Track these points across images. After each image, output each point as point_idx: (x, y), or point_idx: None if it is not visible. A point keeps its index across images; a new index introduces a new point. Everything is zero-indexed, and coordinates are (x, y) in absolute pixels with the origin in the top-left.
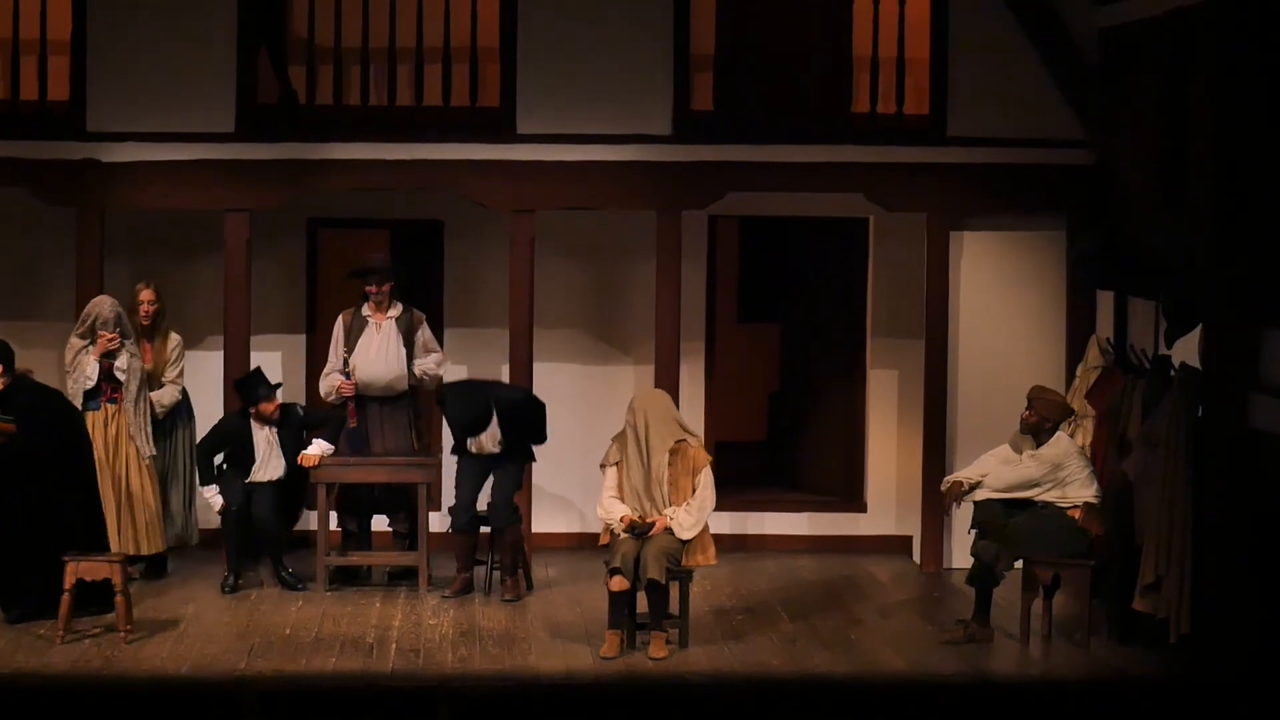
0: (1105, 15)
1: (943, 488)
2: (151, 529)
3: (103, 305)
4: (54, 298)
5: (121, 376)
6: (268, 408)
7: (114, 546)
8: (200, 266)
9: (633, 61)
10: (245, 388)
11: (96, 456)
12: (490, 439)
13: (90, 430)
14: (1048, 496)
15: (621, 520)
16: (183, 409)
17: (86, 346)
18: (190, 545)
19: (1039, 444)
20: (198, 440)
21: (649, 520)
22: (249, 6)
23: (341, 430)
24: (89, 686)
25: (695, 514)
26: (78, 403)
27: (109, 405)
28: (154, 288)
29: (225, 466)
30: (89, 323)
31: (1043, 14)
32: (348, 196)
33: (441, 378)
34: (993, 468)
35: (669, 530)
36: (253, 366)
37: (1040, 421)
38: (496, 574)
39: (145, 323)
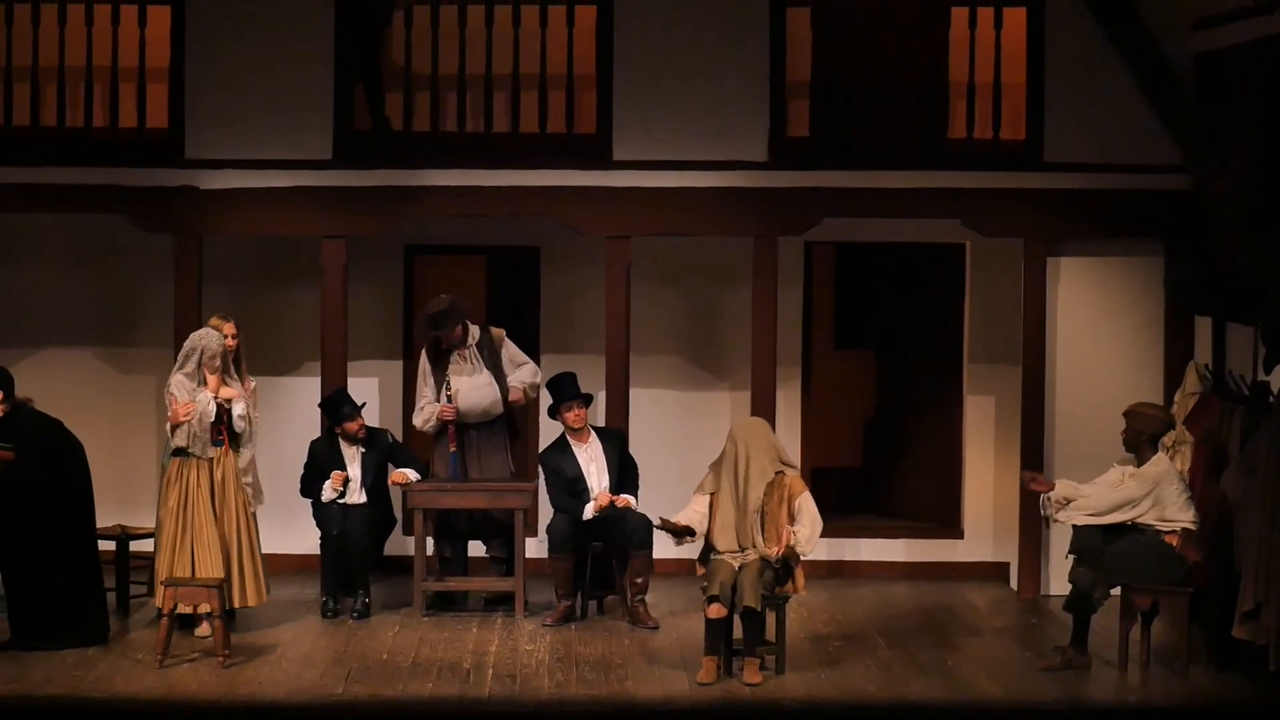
0: (1201, 40)
1: (1028, 483)
2: (258, 579)
3: (209, 339)
4: (151, 324)
5: (241, 425)
6: (351, 426)
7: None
8: (297, 293)
9: (729, 88)
10: (330, 407)
11: (202, 503)
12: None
13: (194, 476)
14: (1147, 518)
15: (660, 522)
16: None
17: (199, 387)
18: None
19: (1140, 462)
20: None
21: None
22: (346, 34)
23: (429, 472)
24: (186, 711)
25: (810, 528)
26: (201, 449)
27: (215, 448)
28: (234, 321)
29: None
30: (195, 359)
31: (1138, 39)
32: (444, 223)
33: (539, 385)
34: (1093, 492)
35: (762, 560)
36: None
37: (1137, 435)
38: (594, 600)
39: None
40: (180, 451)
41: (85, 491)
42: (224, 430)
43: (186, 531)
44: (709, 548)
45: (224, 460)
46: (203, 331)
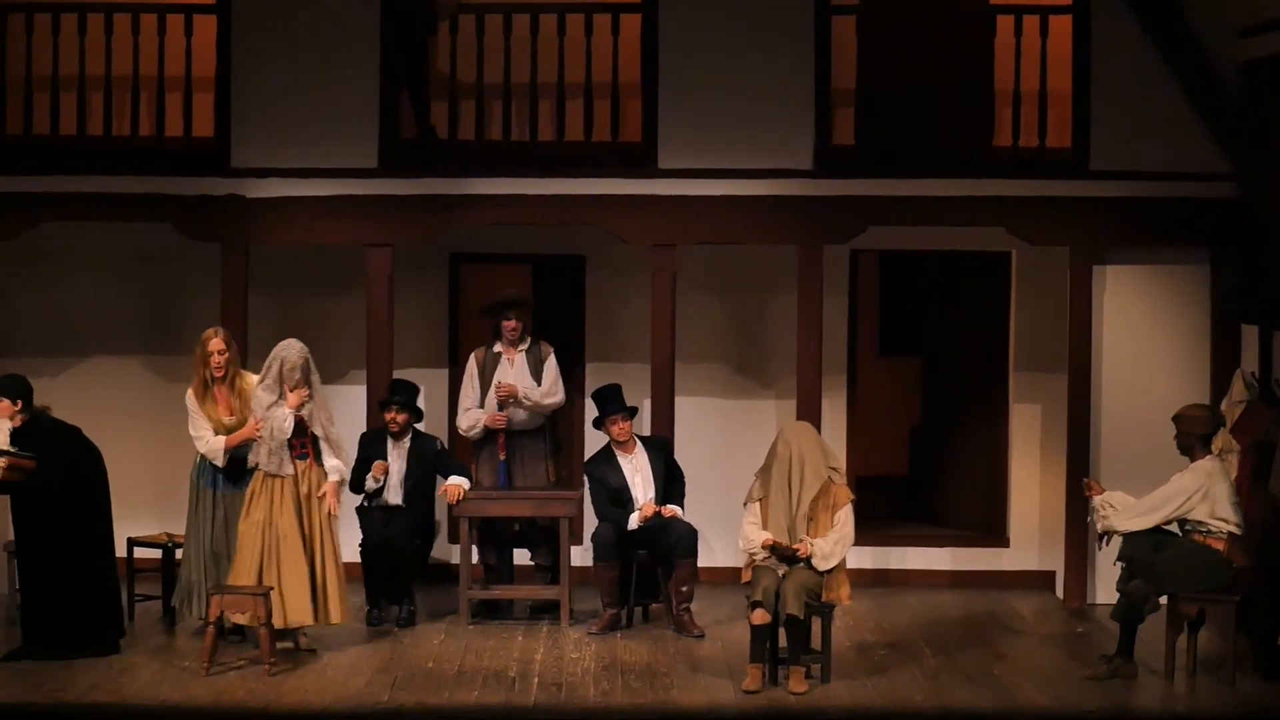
0: (1248, 48)
1: (1086, 489)
2: (341, 597)
3: (288, 351)
4: (198, 332)
5: (328, 453)
6: (388, 415)
7: (292, 615)
8: (342, 301)
9: (774, 96)
10: (388, 392)
11: (286, 519)
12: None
13: (278, 490)
14: (1198, 513)
15: (764, 545)
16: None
17: (277, 401)
18: None
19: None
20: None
21: (792, 547)
22: (391, 43)
23: (472, 480)
24: (233, 719)
25: (833, 545)
26: (277, 467)
27: (298, 462)
28: (223, 335)
29: (367, 503)
30: (274, 370)
31: (1185, 47)
32: (489, 231)
33: (548, 407)
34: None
35: (808, 562)
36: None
37: (1188, 437)
38: (641, 608)
39: (219, 374)
40: None
41: (104, 499)
42: (308, 444)
43: (272, 547)
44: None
45: (309, 474)
46: (286, 342)
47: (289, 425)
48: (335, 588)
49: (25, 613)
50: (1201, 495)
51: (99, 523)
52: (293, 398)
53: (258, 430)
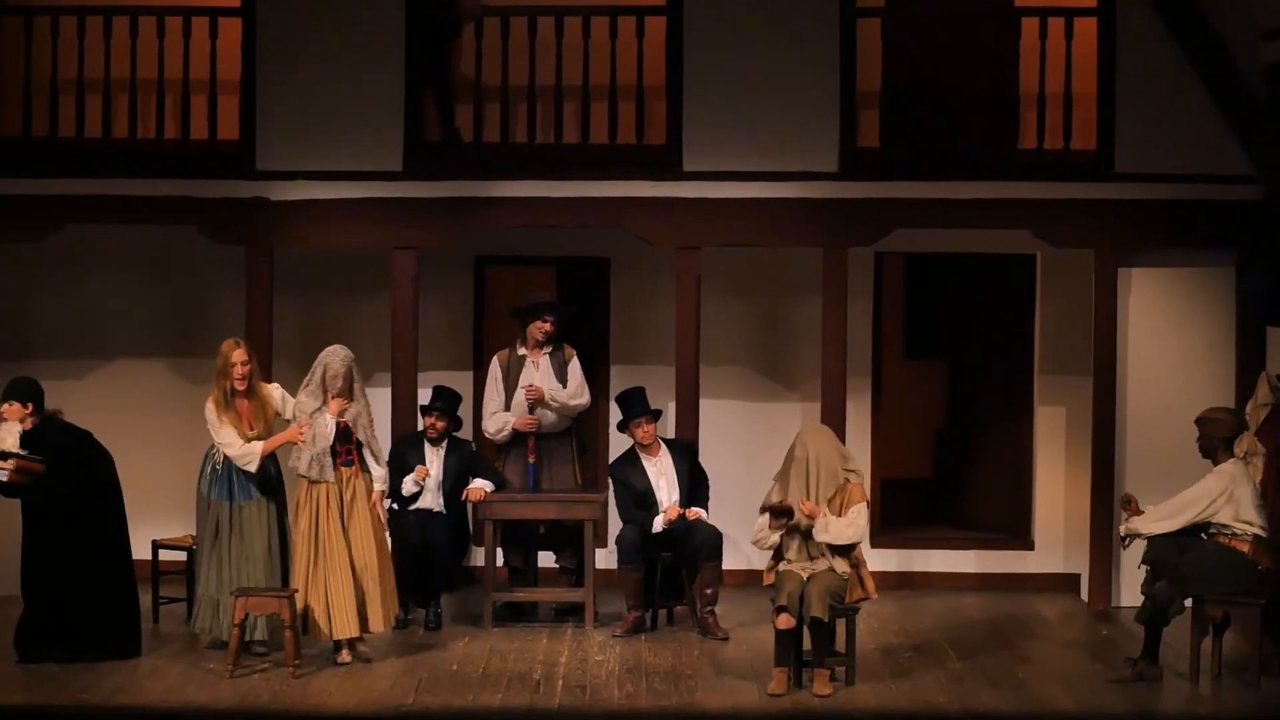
0: (1273, 50)
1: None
2: (388, 604)
3: (332, 358)
4: (223, 335)
5: (373, 461)
6: (427, 421)
7: (339, 630)
8: (367, 304)
9: (799, 98)
10: (430, 398)
11: (331, 527)
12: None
13: (323, 497)
14: (1222, 516)
15: (764, 509)
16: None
17: (320, 408)
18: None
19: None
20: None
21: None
22: (416, 45)
23: (503, 483)
24: None
25: (840, 526)
26: (319, 473)
27: (343, 469)
28: (245, 346)
29: (395, 506)
30: (318, 376)
31: (1210, 49)
32: (514, 234)
33: (573, 409)
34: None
35: (831, 570)
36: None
37: (1211, 441)
38: (665, 611)
39: (240, 386)
40: None
41: (116, 503)
42: (353, 450)
43: (319, 556)
44: (778, 556)
45: (354, 481)
46: (330, 349)
47: (331, 432)
48: (379, 594)
49: (41, 618)
50: (1226, 499)
51: (110, 527)
52: (334, 405)
53: (300, 436)
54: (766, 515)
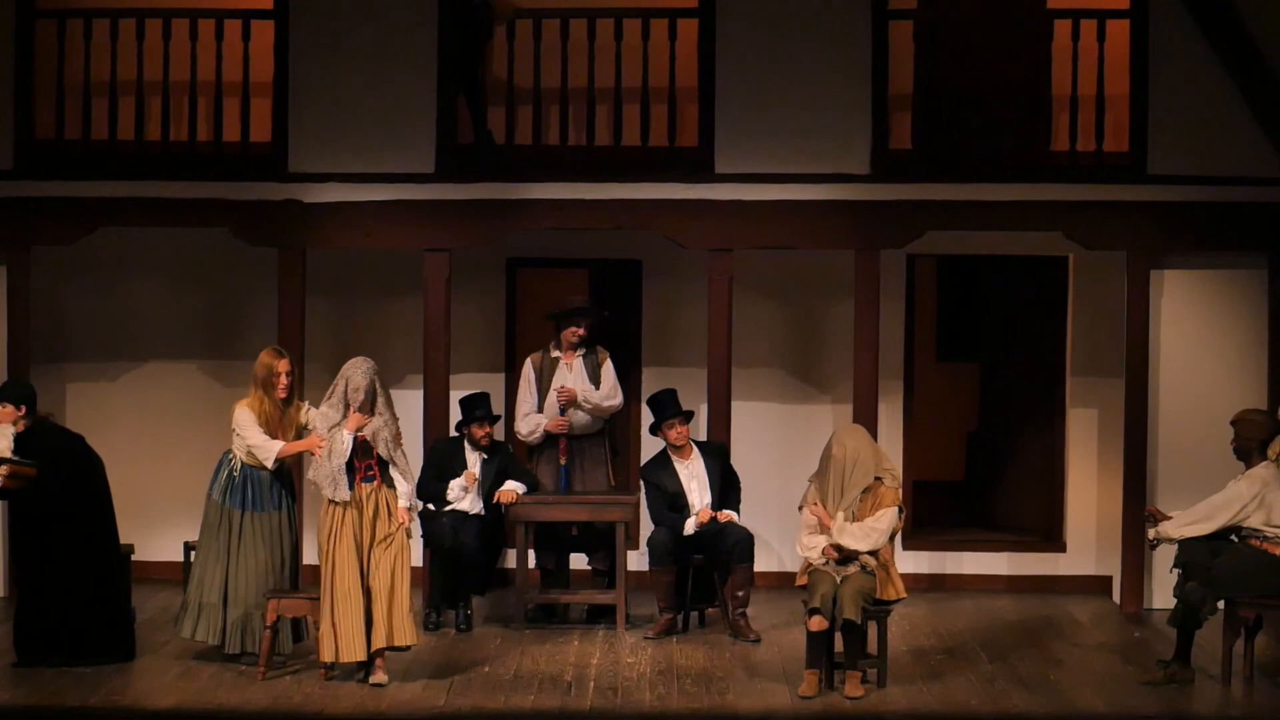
0: None
1: (1146, 519)
2: (412, 619)
3: (353, 370)
4: (255, 338)
5: (398, 477)
6: (478, 431)
7: (345, 654)
8: (399, 306)
9: (831, 101)
10: (467, 405)
11: (344, 547)
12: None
13: (342, 512)
14: (1253, 520)
15: (824, 552)
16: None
17: (340, 422)
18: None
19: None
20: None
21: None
22: (449, 48)
23: (536, 485)
24: None
25: (860, 530)
26: (332, 491)
27: (364, 484)
28: (289, 357)
29: (430, 507)
30: (340, 389)
31: (1243, 50)
32: (546, 236)
33: (602, 408)
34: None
35: (862, 571)
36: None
37: (1246, 442)
38: (697, 613)
39: (283, 395)
40: None
41: (106, 509)
42: (374, 465)
43: (334, 576)
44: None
45: (375, 496)
46: (353, 361)
47: (347, 449)
48: (403, 610)
49: (32, 623)
50: (1257, 503)
51: (100, 532)
52: (352, 420)
53: (318, 448)
54: (809, 517)
